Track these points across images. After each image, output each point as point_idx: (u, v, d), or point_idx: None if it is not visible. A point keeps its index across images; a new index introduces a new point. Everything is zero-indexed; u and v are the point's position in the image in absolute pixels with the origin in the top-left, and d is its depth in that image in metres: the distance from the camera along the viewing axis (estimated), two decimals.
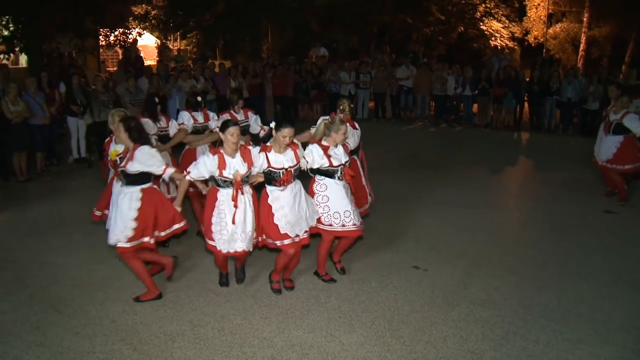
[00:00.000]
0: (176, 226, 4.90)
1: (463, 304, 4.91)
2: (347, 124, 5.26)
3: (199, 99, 6.51)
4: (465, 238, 6.51)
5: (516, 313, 4.75)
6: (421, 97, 15.05)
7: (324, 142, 5.07)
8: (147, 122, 5.93)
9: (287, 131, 4.71)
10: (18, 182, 8.83)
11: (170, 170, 4.78)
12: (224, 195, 4.75)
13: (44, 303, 4.91)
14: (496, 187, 9.11)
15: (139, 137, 4.73)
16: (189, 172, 4.72)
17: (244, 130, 6.27)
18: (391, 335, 4.40)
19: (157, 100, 6.24)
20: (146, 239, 4.74)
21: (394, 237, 6.52)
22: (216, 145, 6.50)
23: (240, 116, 6.53)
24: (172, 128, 6.24)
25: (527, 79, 14.60)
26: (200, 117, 6.41)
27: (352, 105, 6.15)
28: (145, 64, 15.61)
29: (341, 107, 5.99)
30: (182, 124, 6.27)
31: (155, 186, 4.91)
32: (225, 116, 6.31)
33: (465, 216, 7.28)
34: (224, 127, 4.72)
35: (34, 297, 5.04)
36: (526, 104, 14.57)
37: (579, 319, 4.66)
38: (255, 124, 6.59)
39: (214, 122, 6.37)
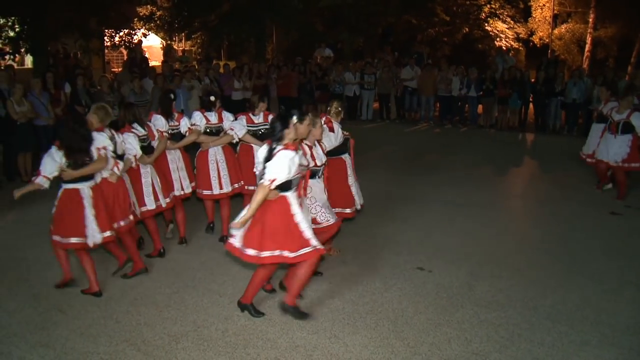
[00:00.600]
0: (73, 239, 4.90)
1: (468, 306, 4.89)
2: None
3: (213, 98, 6.23)
4: (470, 239, 6.49)
5: (521, 315, 4.73)
6: (426, 98, 15.05)
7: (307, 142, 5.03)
8: (159, 119, 5.95)
9: (310, 120, 4.57)
10: (23, 183, 8.84)
11: (37, 179, 4.76)
12: (292, 196, 4.40)
13: (48, 303, 4.92)
14: (501, 189, 9.08)
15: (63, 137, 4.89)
16: (273, 180, 4.19)
17: (264, 135, 6.05)
18: (395, 337, 4.38)
19: (172, 97, 6.20)
20: (67, 240, 4.90)
21: (398, 238, 6.50)
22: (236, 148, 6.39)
23: (258, 119, 6.26)
24: (183, 126, 6.14)
25: (532, 80, 14.57)
26: (213, 118, 6.17)
27: (339, 109, 5.78)
28: (150, 65, 15.65)
29: (328, 109, 5.81)
30: (194, 125, 6.11)
31: (83, 188, 4.87)
32: (242, 118, 6.18)
33: (470, 217, 7.26)
34: (295, 118, 4.35)
35: (38, 297, 5.05)
36: (531, 105, 14.54)
37: (585, 321, 4.63)
38: None
39: (229, 123, 6.19)
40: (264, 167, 4.28)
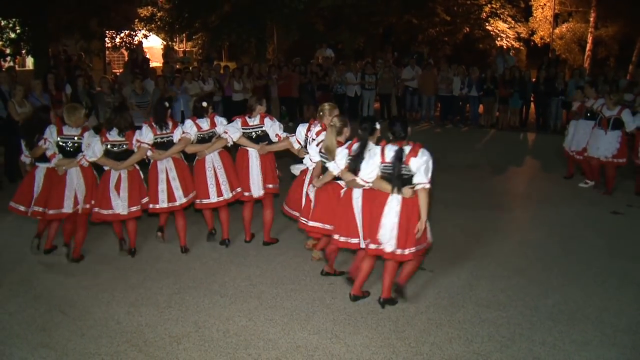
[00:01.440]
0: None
1: (469, 306, 4.89)
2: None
3: (205, 104, 6.06)
4: (471, 239, 6.49)
5: (522, 314, 4.72)
6: (427, 98, 15.05)
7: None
8: (144, 129, 5.83)
9: None
10: None
11: (21, 157, 6.04)
12: None
13: (49, 304, 4.92)
14: (502, 188, 9.07)
15: None
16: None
17: (260, 138, 5.98)
18: (396, 337, 4.38)
19: (167, 105, 6.06)
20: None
21: None
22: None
23: (254, 121, 5.98)
24: (177, 135, 5.95)
25: (533, 80, 14.55)
26: (205, 124, 5.94)
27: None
28: (151, 66, 15.68)
29: (321, 113, 5.68)
30: (185, 133, 5.91)
31: (40, 167, 5.81)
32: (237, 121, 5.99)
33: (471, 217, 7.26)
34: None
35: (39, 298, 5.05)
36: (532, 105, 14.52)
37: (586, 321, 4.63)
38: (272, 131, 5.99)
39: (222, 127, 5.99)
40: (402, 167, 4.55)
